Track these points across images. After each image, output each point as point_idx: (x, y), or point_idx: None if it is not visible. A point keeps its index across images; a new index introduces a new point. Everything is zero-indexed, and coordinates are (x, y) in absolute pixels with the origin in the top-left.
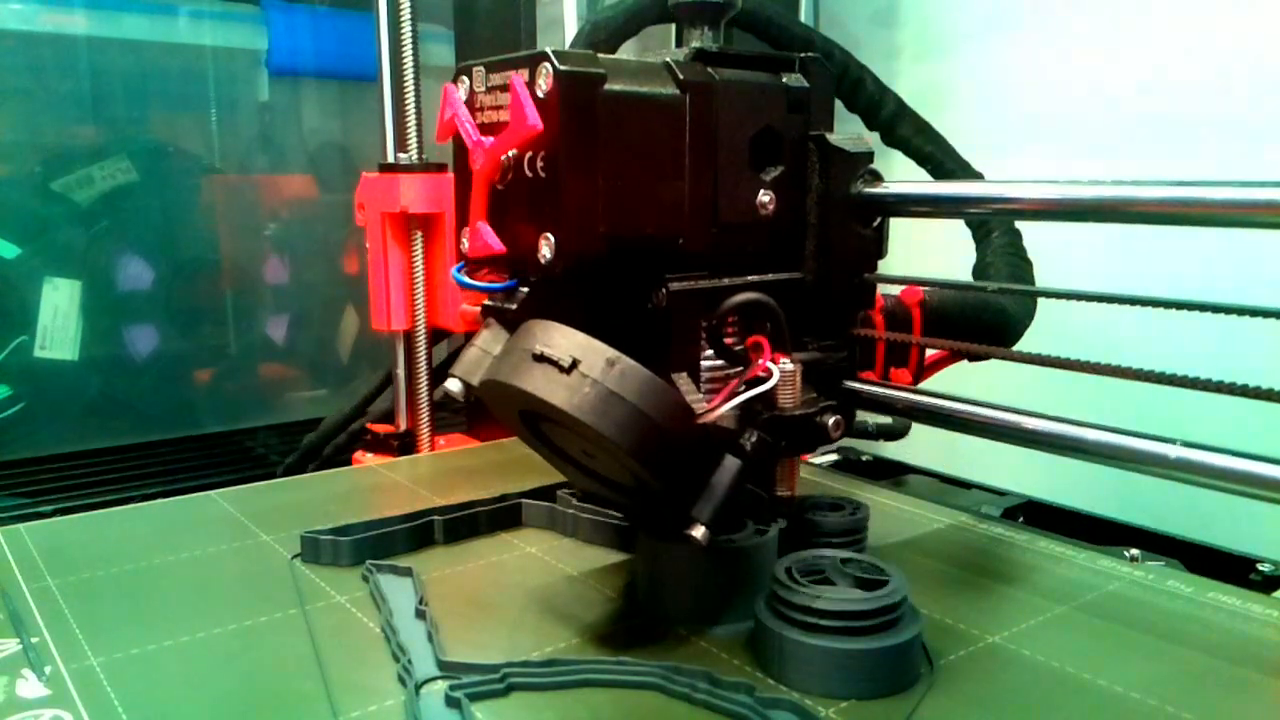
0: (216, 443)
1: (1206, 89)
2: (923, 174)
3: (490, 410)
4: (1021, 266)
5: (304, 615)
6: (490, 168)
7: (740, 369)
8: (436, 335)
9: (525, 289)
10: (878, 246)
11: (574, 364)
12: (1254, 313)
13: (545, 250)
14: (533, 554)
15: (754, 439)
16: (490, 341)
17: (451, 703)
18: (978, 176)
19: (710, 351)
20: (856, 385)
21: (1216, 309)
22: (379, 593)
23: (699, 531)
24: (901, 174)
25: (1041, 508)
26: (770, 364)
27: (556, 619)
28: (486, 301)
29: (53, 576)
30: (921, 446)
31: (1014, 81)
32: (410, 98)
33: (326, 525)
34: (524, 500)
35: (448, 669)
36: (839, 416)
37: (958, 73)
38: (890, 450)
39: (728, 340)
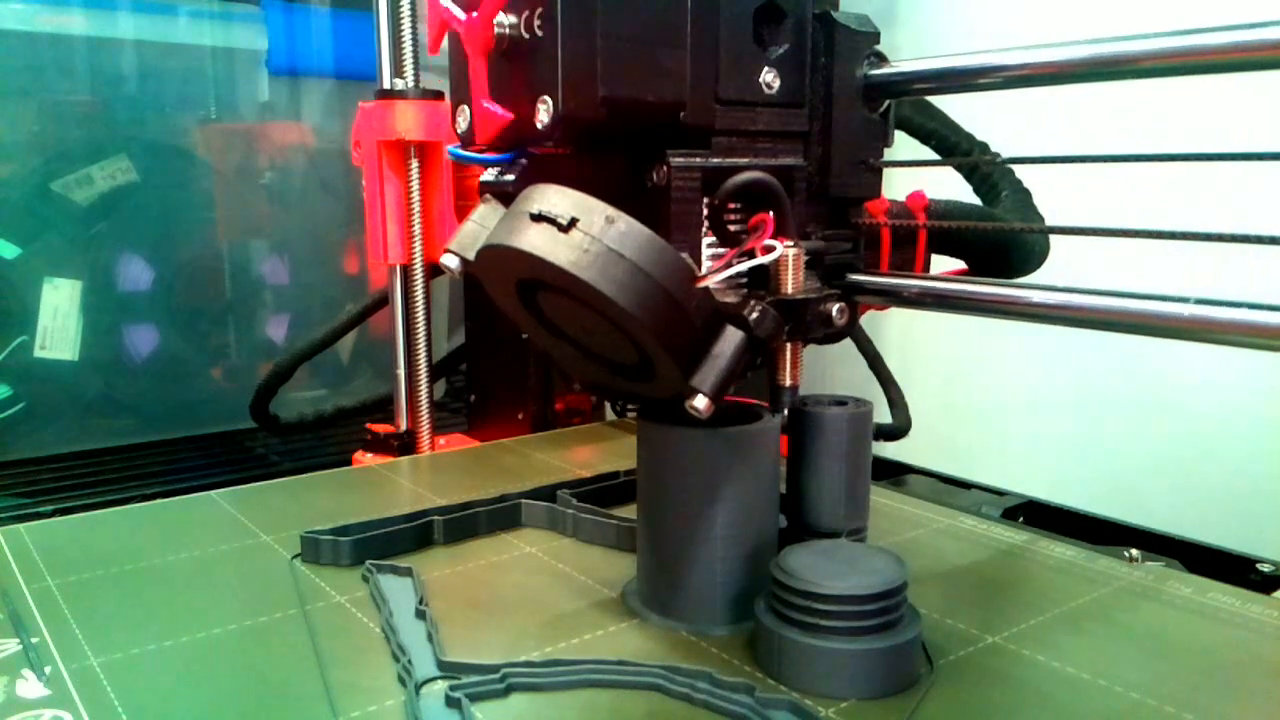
0: (216, 443)
1: (1207, 88)
2: (927, 153)
3: (487, 291)
4: (1031, 217)
5: (304, 615)
6: (488, 18)
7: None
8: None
9: (523, 162)
10: (884, 132)
11: (573, 222)
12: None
13: (543, 115)
14: (533, 554)
15: (757, 312)
16: (487, 216)
17: (451, 703)
18: (984, 147)
19: (713, 239)
20: (862, 277)
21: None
22: (379, 593)
23: (701, 402)
24: (905, 152)
25: (1041, 508)
26: (772, 241)
27: (556, 619)
28: (484, 178)
29: (53, 576)
30: (921, 446)
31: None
32: (406, 21)
33: (326, 525)
34: (524, 500)
35: (448, 669)
36: (843, 304)
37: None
38: (890, 450)
39: (731, 229)
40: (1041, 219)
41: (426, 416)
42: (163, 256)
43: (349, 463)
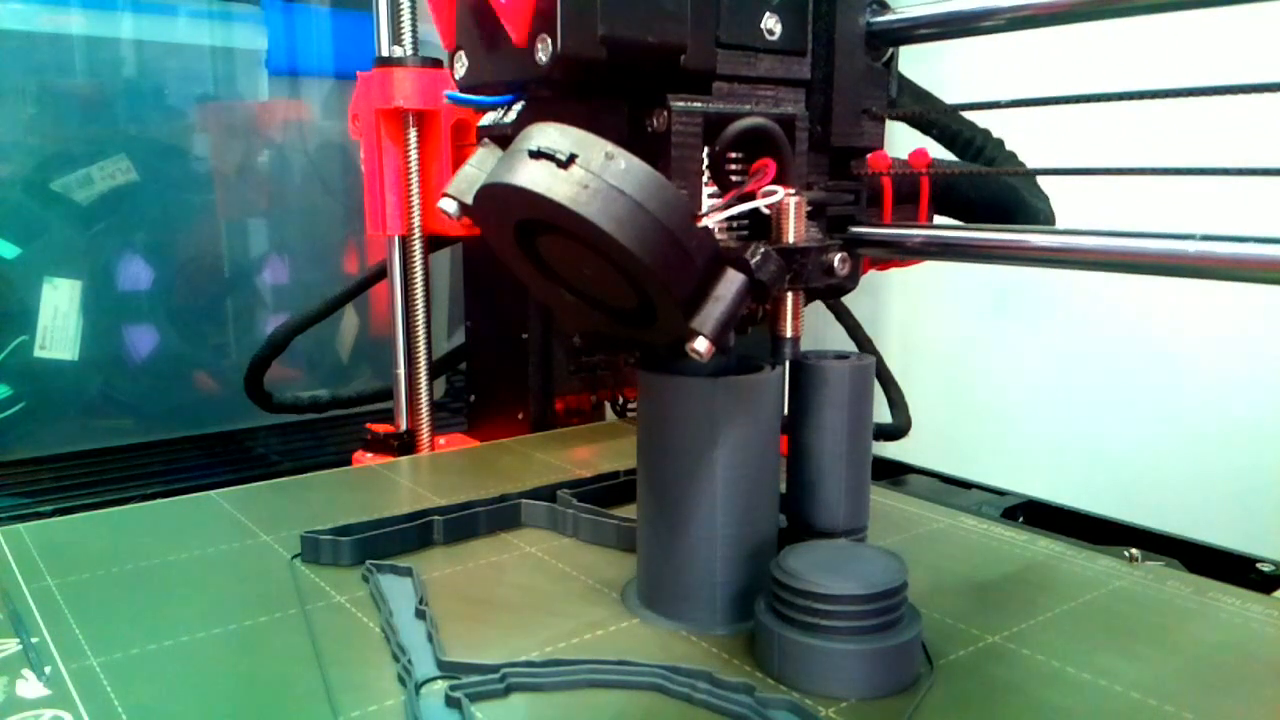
0: (216, 443)
1: (1217, 28)
2: (924, 140)
3: (485, 237)
4: (1036, 195)
5: (304, 615)
6: None
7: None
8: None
9: (521, 105)
10: (886, 81)
11: (571, 158)
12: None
13: (541, 54)
14: (533, 554)
15: (759, 255)
16: (485, 159)
17: (451, 703)
18: (986, 134)
19: (714, 189)
20: (865, 229)
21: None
22: (379, 593)
23: (701, 344)
24: (906, 143)
25: (1041, 508)
26: (774, 186)
27: (556, 619)
28: (482, 122)
29: (53, 576)
30: (922, 446)
31: (1013, 79)
32: None
33: (326, 525)
34: (524, 500)
35: (448, 669)
36: (845, 254)
37: (957, 71)
38: (890, 450)
39: (732, 179)
40: (1046, 199)
41: (426, 416)
42: (163, 256)
43: (349, 463)
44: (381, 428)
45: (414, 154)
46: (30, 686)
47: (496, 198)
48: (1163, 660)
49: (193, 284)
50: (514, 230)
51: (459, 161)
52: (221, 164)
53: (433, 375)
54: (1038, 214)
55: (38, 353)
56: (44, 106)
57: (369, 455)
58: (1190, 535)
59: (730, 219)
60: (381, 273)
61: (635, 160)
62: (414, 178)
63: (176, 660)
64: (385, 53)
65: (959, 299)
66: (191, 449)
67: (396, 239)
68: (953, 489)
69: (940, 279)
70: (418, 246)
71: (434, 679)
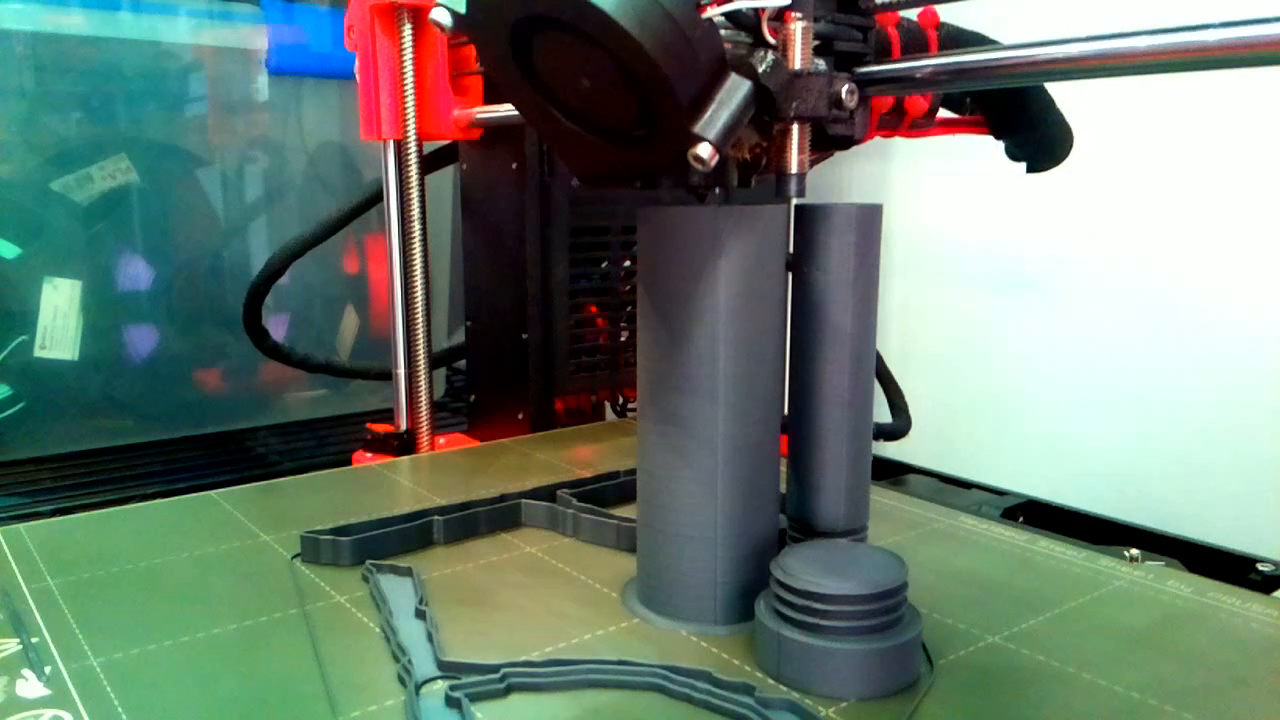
0: (216, 443)
1: (1210, 89)
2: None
3: (480, 56)
4: (1052, 109)
5: (304, 615)
6: None
7: None
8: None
9: None
10: None
11: None
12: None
13: None
14: (533, 554)
15: (767, 62)
16: None
17: (451, 703)
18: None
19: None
20: (874, 67)
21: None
22: (379, 593)
23: (704, 150)
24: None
25: (1041, 508)
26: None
27: (556, 619)
28: None
29: (53, 576)
30: (921, 446)
31: None
32: None
33: (326, 525)
34: (524, 500)
35: (448, 669)
36: (853, 85)
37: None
38: (890, 450)
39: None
40: (1062, 114)
41: (426, 416)
42: (163, 256)
43: (349, 463)
44: (381, 428)
45: (409, 53)
46: (30, 686)
47: None
48: (1163, 660)
49: (192, 284)
50: (510, 42)
51: (455, 63)
52: (221, 164)
53: (431, 368)
54: (1044, 106)
55: (38, 353)
56: (44, 106)
57: (369, 455)
58: (1190, 535)
59: (732, 37)
60: (377, 195)
61: None
62: (409, 78)
63: (176, 660)
64: None
65: (958, 298)
66: (191, 449)
67: (391, 148)
68: (953, 489)
69: (940, 278)
70: (413, 152)
71: (434, 679)
